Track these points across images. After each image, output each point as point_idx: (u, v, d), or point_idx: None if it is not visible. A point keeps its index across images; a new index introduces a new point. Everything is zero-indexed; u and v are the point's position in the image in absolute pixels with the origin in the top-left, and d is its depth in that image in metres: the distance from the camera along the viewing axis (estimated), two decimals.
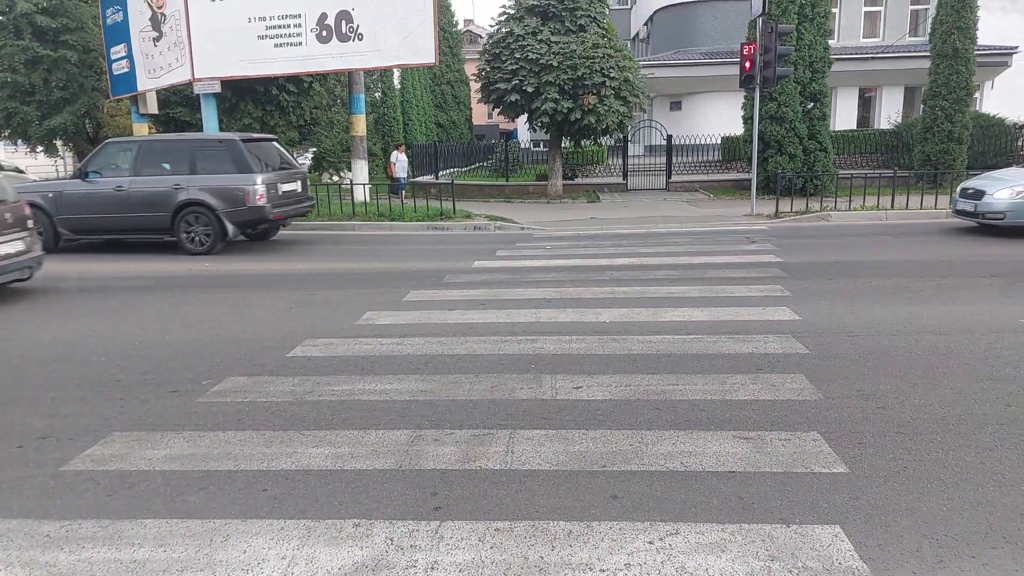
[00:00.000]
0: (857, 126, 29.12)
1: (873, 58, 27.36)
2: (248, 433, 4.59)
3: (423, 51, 17.16)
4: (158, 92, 20.57)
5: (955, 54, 19.82)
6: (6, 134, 22.23)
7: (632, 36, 39.16)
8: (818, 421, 4.53)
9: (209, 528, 3.49)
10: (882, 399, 4.88)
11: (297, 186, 13.57)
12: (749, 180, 17.89)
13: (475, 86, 24.41)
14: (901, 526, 3.34)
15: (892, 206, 15.91)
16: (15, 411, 5.11)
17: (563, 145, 23.57)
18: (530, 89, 20.41)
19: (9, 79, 20.42)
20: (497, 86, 21.16)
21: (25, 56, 20.35)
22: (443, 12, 34.34)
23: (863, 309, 7.38)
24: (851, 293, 8.19)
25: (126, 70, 20.04)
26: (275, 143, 14.13)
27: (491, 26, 22.94)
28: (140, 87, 19.92)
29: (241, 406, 5.08)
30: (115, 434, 4.63)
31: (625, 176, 24.61)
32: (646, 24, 35.11)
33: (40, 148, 23.35)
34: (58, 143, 23.75)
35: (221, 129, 19.78)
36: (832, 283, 8.77)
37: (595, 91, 20.30)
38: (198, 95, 18.48)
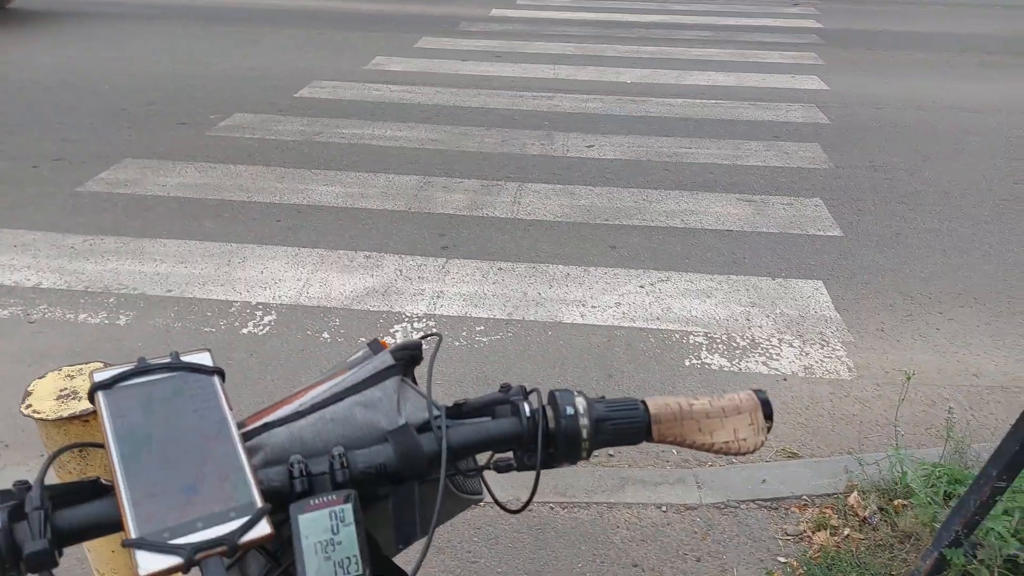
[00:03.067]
0: None
1: None
2: (259, 168, 4.67)
3: None
4: None
5: None
6: None
7: None
8: (823, 188, 4.55)
9: (227, 250, 3.70)
10: (893, 171, 4.86)
11: None
12: None
13: None
14: (880, 284, 3.51)
15: None
16: (27, 134, 5.16)
17: None
18: None
19: None
20: None
21: None
22: None
23: (896, 82, 7.05)
24: (887, 65, 7.77)
25: None
26: None
27: None
28: None
29: (251, 142, 5.11)
30: (127, 160, 4.72)
31: None
32: None
33: None
34: None
35: None
36: (870, 53, 8.28)
37: None
38: None
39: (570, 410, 0.67)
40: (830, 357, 2.98)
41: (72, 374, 1.16)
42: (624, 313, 3.25)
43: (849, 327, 3.17)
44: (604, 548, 2.09)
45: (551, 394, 0.69)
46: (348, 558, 0.56)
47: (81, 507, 0.54)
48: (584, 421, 0.67)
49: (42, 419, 1.06)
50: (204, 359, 0.62)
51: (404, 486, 0.65)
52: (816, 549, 1.99)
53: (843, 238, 3.93)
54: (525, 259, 3.71)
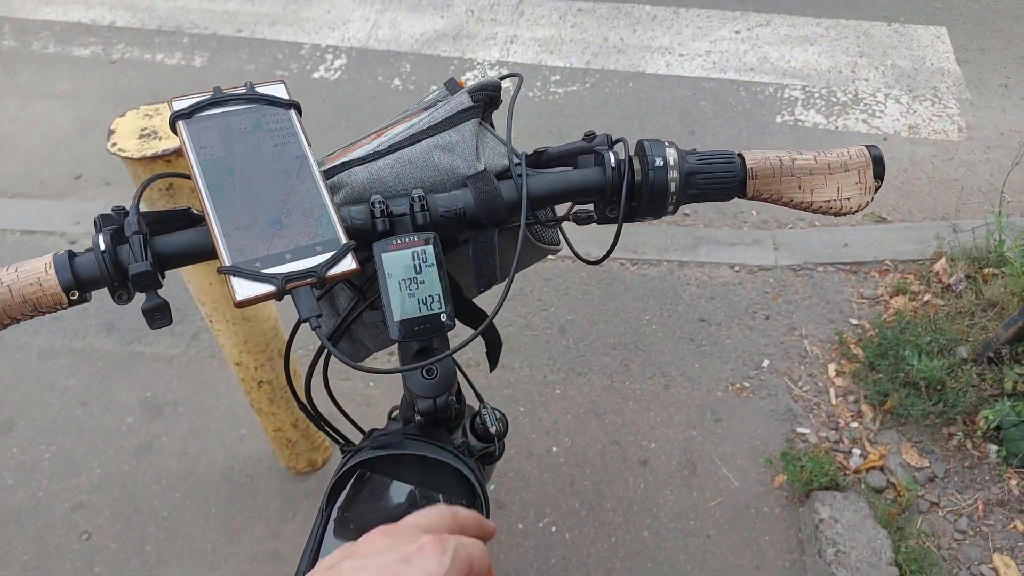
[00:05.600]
0: None
1: None
2: None
3: None
4: None
5: None
6: None
7: None
8: None
9: None
10: None
11: None
12: None
13: None
14: (1014, 32, 3.07)
15: None
16: None
17: None
18: None
19: None
20: None
21: None
22: None
23: None
24: None
25: None
26: None
27: None
28: None
29: None
30: None
31: None
32: None
33: None
34: None
35: None
36: None
37: None
38: None
39: (659, 161, 0.62)
40: (940, 115, 2.71)
41: (150, 113, 1.15)
42: (714, 63, 2.99)
43: (968, 82, 2.84)
44: (672, 303, 2.14)
45: (639, 144, 0.64)
46: (431, 296, 0.57)
47: (176, 234, 0.56)
48: (673, 174, 0.62)
49: (128, 157, 1.08)
50: (279, 91, 0.59)
51: (484, 232, 0.64)
52: (892, 313, 1.98)
53: None
54: None
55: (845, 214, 0.67)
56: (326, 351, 0.68)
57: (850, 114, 2.73)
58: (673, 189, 0.62)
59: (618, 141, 0.67)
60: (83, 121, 2.87)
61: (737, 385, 1.91)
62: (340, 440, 0.77)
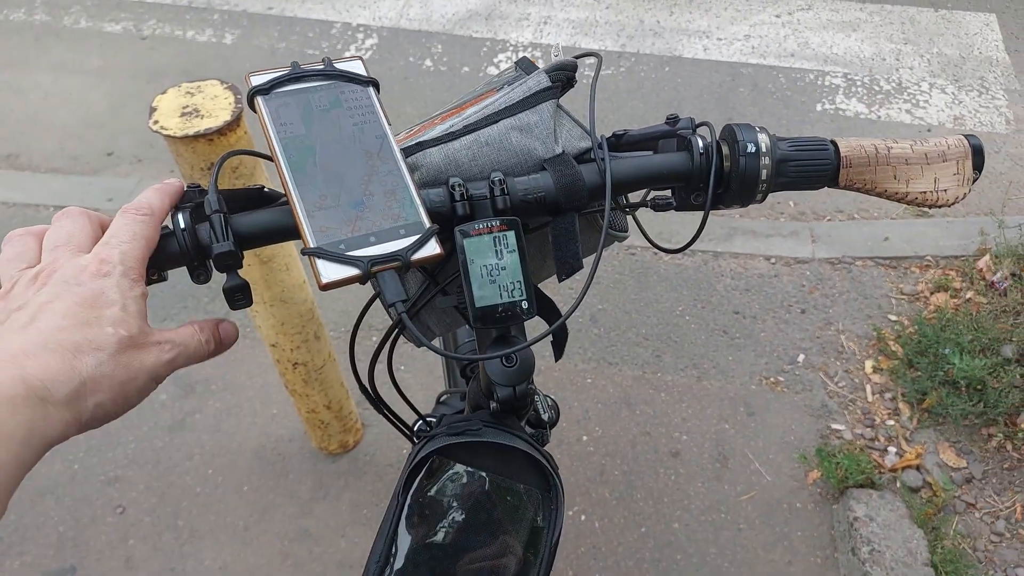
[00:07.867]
0: None
1: None
2: None
3: None
4: None
5: None
6: None
7: None
8: None
9: None
10: None
11: None
12: None
13: None
14: None
15: None
16: None
17: None
18: None
19: None
20: None
21: None
22: None
23: None
24: None
25: None
26: None
27: None
28: None
29: None
30: None
31: None
32: None
33: None
34: None
35: None
36: None
37: None
38: None
39: (751, 147, 0.59)
40: (987, 107, 2.64)
41: (191, 91, 1.13)
42: (754, 48, 2.92)
43: (1017, 72, 2.75)
44: (706, 294, 2.11)
45: (728, 128, 0.61)
46: (512, 283, 0.56)
47: (255, 213, 0.54)
48: (766, 161, 0.59)
49: (170, 135, 1.06)
50: (357, 67, 0.57)
51: (563, 217, 0.61)
52: (932, 310, 1.93)
53: None
54: None
55: (942, 206, 0.64)
56: (393, 336, 0.67)
57: (893, 104, 2.66)
58: (764, 177, 0.60)
59: (702, 124, 0.64)
60: (115, 98, 2.88)
61: (771, 379, 1.89)
62: (406, 429, 0.76)
